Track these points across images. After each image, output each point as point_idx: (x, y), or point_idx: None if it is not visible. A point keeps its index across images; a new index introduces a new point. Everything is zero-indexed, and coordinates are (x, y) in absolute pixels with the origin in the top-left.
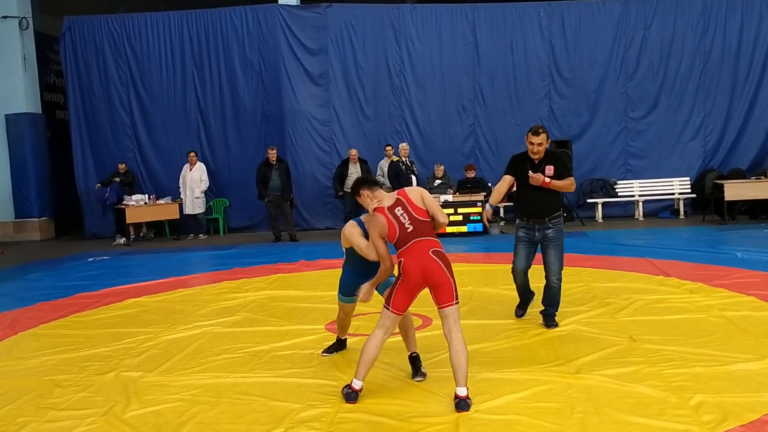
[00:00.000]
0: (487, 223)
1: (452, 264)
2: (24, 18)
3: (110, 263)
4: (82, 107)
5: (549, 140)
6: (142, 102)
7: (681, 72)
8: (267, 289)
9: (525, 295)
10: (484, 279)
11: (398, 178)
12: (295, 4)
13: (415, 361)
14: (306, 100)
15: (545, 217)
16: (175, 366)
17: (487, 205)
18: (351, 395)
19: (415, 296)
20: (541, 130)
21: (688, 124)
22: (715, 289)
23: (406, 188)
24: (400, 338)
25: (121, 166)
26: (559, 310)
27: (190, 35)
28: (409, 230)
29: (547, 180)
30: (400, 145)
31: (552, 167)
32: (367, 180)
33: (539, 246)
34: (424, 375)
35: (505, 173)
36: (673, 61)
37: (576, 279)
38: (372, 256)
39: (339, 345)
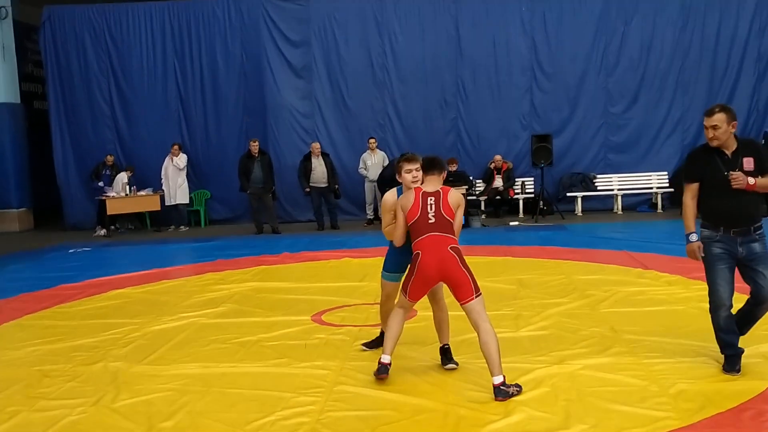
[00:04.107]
0: (700, 259)
1: None
2: (3, 7)
3: (91, 254)
4: (62, 97)
5: (734, 122)
6: (123, 93)
7: (660, 68)
8: (251, 281)
9: (733, 337)
10: None
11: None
12: None
13: (446, 352)
14: (288, 92)
15: (750, 226)
16: (163, 356)
17: (693, 236)
18: (380, 369)
19: (430, 288)
20: (717, 109)
21: (667, 119)
22: (693, 282)
23: (452, 189)
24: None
25: (109, 158)
26: (541, 301)
27: (172, 26)
28: (430, 221)
29: (752, 181)
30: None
31: (752, 159)
32: (433, 163)
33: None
34: (455, 364)
35: (688, 180)
36: (653, 56)
37: (557, 271)
38: (394, 232)
39: (382, 340)
